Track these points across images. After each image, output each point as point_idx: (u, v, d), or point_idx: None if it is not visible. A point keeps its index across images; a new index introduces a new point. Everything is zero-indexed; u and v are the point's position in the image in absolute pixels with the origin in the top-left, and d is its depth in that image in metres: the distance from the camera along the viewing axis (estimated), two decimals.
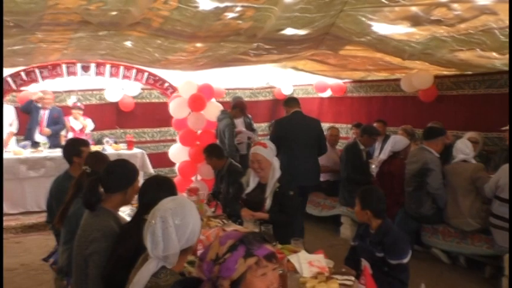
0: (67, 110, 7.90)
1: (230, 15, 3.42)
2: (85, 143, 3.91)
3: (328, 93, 8.85)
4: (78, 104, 7.90)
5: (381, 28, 3.80)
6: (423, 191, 4.81)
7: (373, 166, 6.00)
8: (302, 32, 3.95)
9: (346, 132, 8.25)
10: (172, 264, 1.85)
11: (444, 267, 4.91)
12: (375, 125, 6.58)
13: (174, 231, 1.81)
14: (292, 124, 5.30)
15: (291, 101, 5.56)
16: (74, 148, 3.77)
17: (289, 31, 3.90)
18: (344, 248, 4.30)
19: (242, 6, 3.23)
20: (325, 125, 8.20)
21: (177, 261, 1.86)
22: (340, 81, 8.43)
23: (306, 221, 6.44)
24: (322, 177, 6.50)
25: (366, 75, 7.48)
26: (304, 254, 2.68)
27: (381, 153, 5.80)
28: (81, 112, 7.78)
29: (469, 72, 6.13)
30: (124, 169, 2.71)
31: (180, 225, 1.83)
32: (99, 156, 3.58)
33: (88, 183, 2.67)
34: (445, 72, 6.25)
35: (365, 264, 2.44)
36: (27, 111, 7.46)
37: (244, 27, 3.79)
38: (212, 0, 3.08)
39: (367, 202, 3.06)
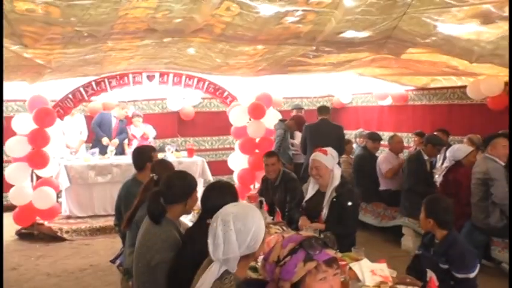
0: (128, 120, 8.26)
1: (290, 19, 3.45)
2: (154, 149, 4.16)
3: (388, 102, 8.66)
4: (137, 111, 8.22)
5: (447, 29, 3.64)
6: (489, 200, 4.57)
7: (437, 176, 5.81)
8: (363, 34, 3.89)
9: (408, 141, 8.02)
10: (233, 269, 1.85)
11: None
12: (435, 134, 6.35)
13: (234, 235, 1.82)
14: (317, 129, 6.47)
15: (321, 109, 6.81)
16: (149, 154, 3.95)
17: (349, 34, 3.86)
18: (406, 260, 4.15)
19: (303, 10, 3.25)
20: (384, 134, 8.05)
21: (237, 265, 1.86)
22: (401, 89, 8.22)
23: (365, 231, 6.34)
24: (383, 186, 6.38)
25: (429, 81, 7.24)
26: (366, 262, 2.62)
27: (443, 163, 5.62)
28: (140, 120, 8.08)
29: None
30: (183, 182, 2.79)
31: (241, 230, 1.83)
32: (165, 164, 3.72)
33: (150, 196, 2.75)
34: None
35: (431, 275, 2.35)
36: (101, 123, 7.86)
37: (304, 31, 3.80)
38: (272, 3, 3.10)
39: (432, 211, 2.96)
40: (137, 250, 2.74)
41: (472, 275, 2.79)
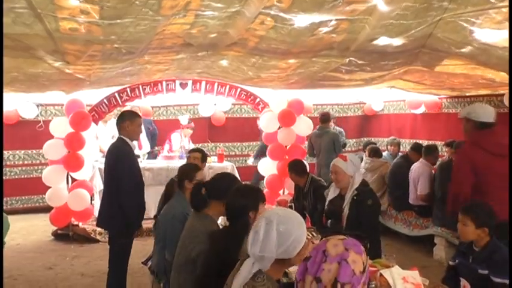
0: (170, 124, 8.40)
1: (324, 29, 3.45)
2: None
3: (421, 110, 8.52)
4: (192, 124, 8.26)
5: (484, 35, 3.55)
6: None
7: None
8: (396, 41, 3.85)
9: (441, 149, 7.85)
10: (265, 268, 1.86)
11: None
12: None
13: (275, 236, 1.82)
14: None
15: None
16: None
17: (382, 41, 3.82)
18: (438, 271, 4.08)
19: (336, 19, 3.24)
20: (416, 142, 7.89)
21: (270, 265, 1.86)
22: (435, 97, 8.07)
23: (396, 240, 6.24)
24: (415, 201, 6.22)
25: (465, 91, 7.07)
26: (397, 269, 2.58)
27: None
28: (191, 132, 8.17)
29: None
30: (228, 182, 2.87)
31: (283, 233, 1.83)
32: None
33: (192, 188, 2.97)
34: None
35: (465, 284, 2.30)
36: None
37: (337, 40, 3.79)
38: (307, 13, 3.10)
39: (484, 219, 2.81)
40: (180, 243, 2.86)
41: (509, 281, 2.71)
